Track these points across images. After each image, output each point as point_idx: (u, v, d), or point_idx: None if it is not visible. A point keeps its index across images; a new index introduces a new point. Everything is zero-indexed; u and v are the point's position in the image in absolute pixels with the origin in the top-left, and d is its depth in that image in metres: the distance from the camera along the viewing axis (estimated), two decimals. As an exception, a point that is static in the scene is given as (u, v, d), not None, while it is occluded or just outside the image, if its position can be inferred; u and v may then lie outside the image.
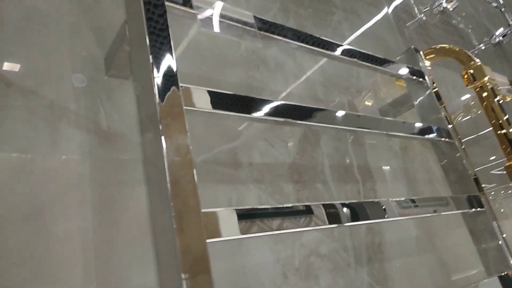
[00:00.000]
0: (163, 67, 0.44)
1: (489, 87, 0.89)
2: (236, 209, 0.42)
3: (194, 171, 0.40)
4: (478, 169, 1.21)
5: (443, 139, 0.81)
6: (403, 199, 0.62)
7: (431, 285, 0.76)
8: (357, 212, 0.55)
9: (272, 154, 0.66)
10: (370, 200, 0.59)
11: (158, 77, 0.43)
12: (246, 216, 0.43)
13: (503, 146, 0.91)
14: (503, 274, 0.71)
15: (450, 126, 0.87)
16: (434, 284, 0.77)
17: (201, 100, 0.48)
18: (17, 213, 0.41)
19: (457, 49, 0.92)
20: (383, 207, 0.59)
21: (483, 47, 1.58)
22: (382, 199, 0.58)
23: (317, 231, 0.63)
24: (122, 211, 0.46)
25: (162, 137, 0.40)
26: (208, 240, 0.38)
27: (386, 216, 0.58)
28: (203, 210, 0.39)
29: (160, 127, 0.41)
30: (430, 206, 0.67)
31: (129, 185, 0.48)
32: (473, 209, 0.74)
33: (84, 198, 0.45)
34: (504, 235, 0.80)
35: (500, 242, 0.78)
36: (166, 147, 0.40)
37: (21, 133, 0.44)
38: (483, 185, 1.12)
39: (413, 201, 0.64)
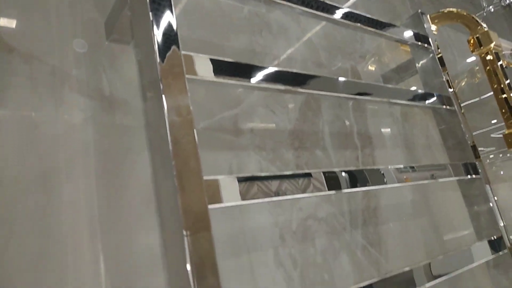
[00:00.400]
0: (163, 26, 0.44)
1: (493, 52, 0.88)
2: (237, 177, 0.44)
3: (195, 131, 0.41)
4: (478, 132, 1.22)
5: (444, 106, 0.81)
6: (401, 166, 0.63)
7: (424, 248, 0.79)
8: (356, 178, 0.57)
9: (273, 120, 0.66)
10: (370, 167, 0.61)
11: (158, 35, 0.43)
12: (247, 182, 0.44)
13: (503, 111, 0.91)
14: (492, 238, 0.73)
15: (451, 90, 0.87)
16: (426, 247, 0.80)
17: (203, 68, 0.49)
18: (25, 177, 0.42)
19: (465, 14, 0.90)
20: (382, 174, 0.61)
21: (492, 9, 1.54)
22: (381, 166, 0.60)
23: (315, 197, 0.65)
24: (126, 176, 0.48)
25: (163, 96, 0.41)
26: (210, 206, 0.40)
27: (385, 182, 0.60)
28: (205, 178, 0.41)
29: (161, 86, 0.41)
30: (427, 171, 0.69)
31: (133, 151, 0.50)
32: (469, 176, 0.75)
33: (88, 163, 0.46)
34: (496, 198, 0.83)
35: (491, 205, 0.81)
36: (167, 107, 0.41)
37: (25, 100, 0.45)
38: (482, 149, 1.13)
39: (411, 167, 0.66)
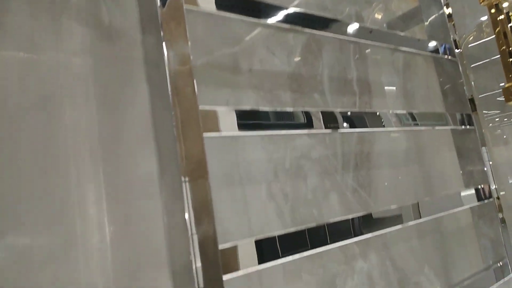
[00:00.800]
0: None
1: (503, 5, 0.85)
2: (235, 109, 0.45)
3: (191, 65, 0.42)
4: (484, 95, 1.22)
5: (446, 56, 0.81)
6: (399, 111, 0.65)
7: (413, 195, 0.82)
8: (354, 120, 0.59)
9: (272, 62, 0.67)
10: (368, 110, 0.62)
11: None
12: (245, 115, 0.46)
13: (509, 76, 0.90)
14: (479, 187, 0.76)
15: (456, 39, 0.86)
16: (416, 194, 0.83)
17: (205, 0, 0.48)
18: (27, 102, 0.43)
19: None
20: (380, 117, 0.62)
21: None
22: (380, 110, 0.61)
23: (309, 137, 0.67)
24: (125, 106, 0.49)
25: (161, 31, 0.41)
26: (205, 134, 0.41)
27: (382, 125, 0.62)
28: (201, 107, 0.42)
29: (160, 19, 0.41)
30: (423, 119, 0.70)
31: (132, 82, 0.51)
32: (463, 126, 0.77)
33: (88, 90, 0.47)
34: (491, 163, 0.85)
35: (485, 166, 0.83)
36: (165, 43, 0.41)
37: (25, 27, 0.45)
38: (487, 112, 1.14)
39: (409, 113, 0.67)
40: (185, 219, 0.39)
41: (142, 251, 0.46)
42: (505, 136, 1.31)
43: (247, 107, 0.45)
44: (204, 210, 0.39)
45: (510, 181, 1.08)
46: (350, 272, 0.66)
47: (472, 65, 1.11)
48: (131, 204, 0.47)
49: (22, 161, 0.42)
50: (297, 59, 0.70)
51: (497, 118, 1.27)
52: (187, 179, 0.39)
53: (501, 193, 0.89)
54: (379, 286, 0.70)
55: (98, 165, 0.46)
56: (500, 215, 0.85)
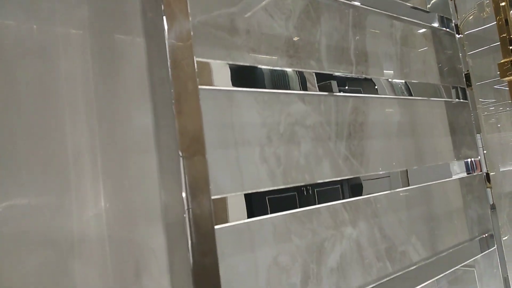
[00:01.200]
0: None
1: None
2: (229, 64, 0.45)
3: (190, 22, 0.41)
4: (481, 82, 1.21)
5: (444, 29, 0.80)
6: (394, 80, 0.65)
7: (404, 164, 0.83)
8: (348, 85, 0.59)
9: (270, 25, 0.66)
10: (364, 75, 0.61)
11: None
12: (239, 71, 0.46)
13: (506, 51, 0.89)
14: (468, 160, 0.78)
15: (456, 15, 0.85)
16: (407, 165, 0.84)
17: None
18: (22, 48, 0.43)
19: None
20: (374, 84, 0.62)
21: None
22: (375, 76, 0.61)
23: (304, 104, 0.67)
24: (122, 58, 0.49)
25: None
26: (200, 86, 0.41)
27: (376, 91, 0.62)
28: (197, 59, 0.42)
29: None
30: (418, 90, 0.70)
31: (128, 35, 0.50)
32: (457, 99, 0.77)
33: (84, 39, 0.47)
34: (486, 152, 0.85)
35: (479, 151, 0.84)
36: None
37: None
38: (483, 100, 1.14)
39: (405, 84, 0.67)
40: (179, 169, 0.40)
41: (136, 203, 0.47)
42: (499, 125, 1.32)
43: (241, 63, 0.45)
44: (196, 154, 0.39)
45: (500, 168, 1.09)
46: (339, 237, 0.68)
47: (470, 52, 1.10)
48: (126, 157, 0.47)
49: (18, 106, 0.42)
50: (295, 24, 0.69)
51: (492, 107, 1.27)
52: (177, 125, 0.39)
53: (491, 173, 0.91)
54: (366, 252, 0.72)
55: (93, 117, 0.46)
56: (489, 191, 0.87)
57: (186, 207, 0.40)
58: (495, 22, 0.89)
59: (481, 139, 0.87)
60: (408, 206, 0.83)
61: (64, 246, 0.42)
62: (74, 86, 0.45)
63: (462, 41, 0.91)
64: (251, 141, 0.59)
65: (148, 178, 0.48)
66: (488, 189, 0.88)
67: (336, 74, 0.56)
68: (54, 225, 0.42)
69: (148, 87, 0.49)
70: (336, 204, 0.68)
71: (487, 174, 0.84)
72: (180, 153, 0.39)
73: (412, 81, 0.69)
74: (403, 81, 0.67)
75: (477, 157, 0.80)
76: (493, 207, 0.88)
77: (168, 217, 0.46)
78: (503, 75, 0.84)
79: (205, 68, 0.43)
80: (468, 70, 0.88)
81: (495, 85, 1.28)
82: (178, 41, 0.41)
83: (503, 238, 0.92)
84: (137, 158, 0.48)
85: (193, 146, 0.40)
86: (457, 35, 0.87)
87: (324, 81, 0.55)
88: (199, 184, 0.40)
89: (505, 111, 1.30)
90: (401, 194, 0.81)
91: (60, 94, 0.44)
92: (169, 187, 0.44)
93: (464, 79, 0.87)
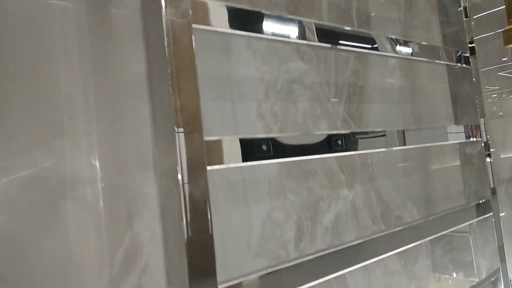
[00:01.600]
0: None
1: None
2: (227, 5, 0.44)
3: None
4: (486, 69, 1.19)
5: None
6: (395, 37, 0.63)
7: (402, 127, 0.82)
8: (347, 39, 0.57)
9: (270, -20, 0.64)
10: (363, 30, 0.59)
11: None
12: (238, 13, 0.44)
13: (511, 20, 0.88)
14: (468, 125, 0.77)
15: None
16: (404, 128, 0.84)
17: None
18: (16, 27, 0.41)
19: None
20: (373, 39, 0.61)
21: None
22: (375, 32, 0.59)
23: (303, 62, 0.66)
24: (115, 5, 0.48)
25: None
26: (194, 25, 0.40)
27: (376, 48, 0.60)
28: (192, -3, 0.41)
29: None
30: (419, 51, 0.69)
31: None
32: (459, 64, 0.76)
33: (82, 36, 0.45)
34: (488, 137, 0.83)
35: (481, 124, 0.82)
36: None
37: None
38: (487, 87, 1.12)
39: (405, 41, 0.65)
40: (173, 114, 0.39)
41: (129, 149, 0.46)
42: (501, 113, 1.30)
43: (239, 5, 0.43)
44: (190, 93, 0.39)
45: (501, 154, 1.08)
46: (334, 198, 0.68)
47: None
48: (119, 104, 0.46)
49: (14, 83, 0.41)
50: (296, -19, 0.67)
51: (494, 94, 1.26)
52: (174, 70, 0.38)
53: (491, 149, 0.89)
54: (362, 214, 0.72)
55: (87, 64, 0.45)
56: (488, 159, 0.86)
57: (178, 149, 0.39)
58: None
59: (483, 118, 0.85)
60: (405, 173, 0.82)
61: (56, 186, 0.42)
62: (67, 29, 0.44)
63: (468, 10, 0.89)
64: (248, 96, 0.58)
65: (141, 125, 0.47)
66: (488, 162, 0.87)
67: (336, 26, 0.55)
68: (45, 166, 0.41)
69: (141, 29, 0.48)
70: (332, 163, 0.67)
71: (488, 146, 0.83)
72: (171, 91, 0.38)
73: (414, 40, 0.68)
74: (404, 39, 0.66)
75: (477, 123, 0.79)
76: (494, 191, 0.86)
77: (161, 163, 0.46)
78: (507, 42, 0.82)
79: (202, 8, 0.41)
80: (472, 38, 0.87)
81: (499, 72, 1.26)
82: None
83: (501, 214, 0.92)
84: (131, 105, 0.47)
85: (187, 86, 0.39)
86: (462, 2, 0.85)
87: (324, 35, 0.53)
88: (192, 125, 0.39)
89: (509, 97, 1.29)
90: (399, 164, 0.80)
91: (53, 41, 0.43)
92: (162, 131, 0.43)
93: (468, 46, 0.85)
